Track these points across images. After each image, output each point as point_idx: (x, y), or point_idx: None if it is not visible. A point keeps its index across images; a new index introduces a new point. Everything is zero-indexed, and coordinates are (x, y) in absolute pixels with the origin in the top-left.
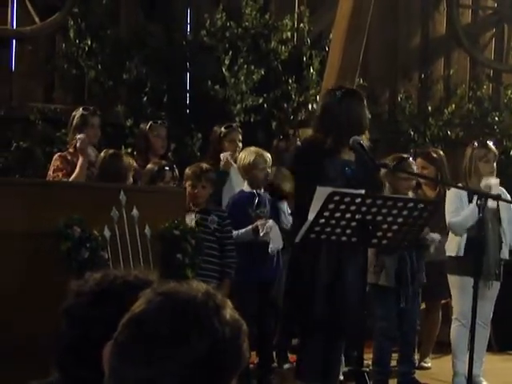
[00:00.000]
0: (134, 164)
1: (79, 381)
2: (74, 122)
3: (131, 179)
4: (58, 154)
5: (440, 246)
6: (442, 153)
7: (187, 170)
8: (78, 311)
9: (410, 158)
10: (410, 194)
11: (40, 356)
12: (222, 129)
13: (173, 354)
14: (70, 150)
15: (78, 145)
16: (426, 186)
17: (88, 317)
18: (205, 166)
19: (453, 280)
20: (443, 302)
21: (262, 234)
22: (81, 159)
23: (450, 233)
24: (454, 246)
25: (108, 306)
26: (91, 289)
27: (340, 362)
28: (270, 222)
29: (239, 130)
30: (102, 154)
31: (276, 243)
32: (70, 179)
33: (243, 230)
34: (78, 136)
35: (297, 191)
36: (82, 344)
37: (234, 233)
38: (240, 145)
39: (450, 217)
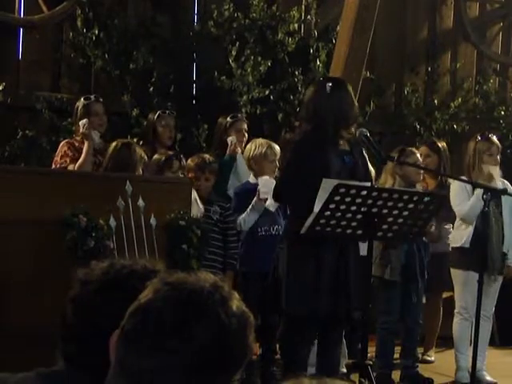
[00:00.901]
0: (145, 157)
1: (85, 369)
2: (78, 112)
3: (140, 171)
4: (66, 140)
5: (441, 237)
6: (444, 144)
7: (189, 162)
8: (84, 300)
9: (411, 148)
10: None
11: (46, 343)
12: (228, 119)
13: (179, 344)
14: (77, 138)
15: (81, 130)
16: (427, 174)
17: (94, 305)
18: (208, 157)
19: (456, 274)
20: (447, 295)
21: (262, 192)
22: (86, 144)
23: (455, 224)
24: (458, 237)
25: (114, 294)
26: (98, 277)
27: (339, 351)
28: (265, 177)
29: (245, 120)
30: (114, 143)
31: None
32: (77, 165)
33: (249, 207)
34: (81, 121)
35: (291, 182)
36: (89, 333)
37: (242, 216)
38: (246, 135)
39: (458, 208)
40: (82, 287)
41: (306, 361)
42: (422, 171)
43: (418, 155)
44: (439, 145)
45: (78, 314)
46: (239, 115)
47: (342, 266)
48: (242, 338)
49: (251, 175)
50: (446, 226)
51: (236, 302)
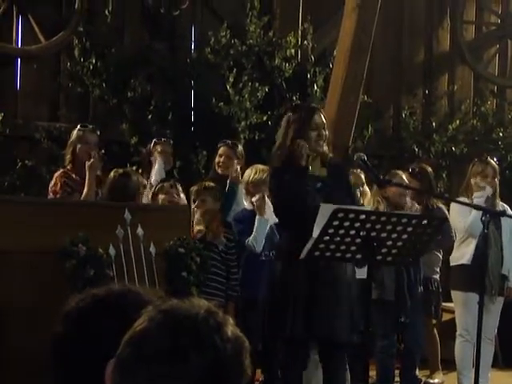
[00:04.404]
0: (144, 182)
1: None
2: (70, 138)
3: (141, 198)
4: (62, 170)
5: (428, 262)
6: (429, 168)
7: (191, 189)
8: (79, 328)
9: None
10: (409, 205)
11: (45, 372)
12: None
13: (174, 371)
14: (68, 166)
15: (91, 160)
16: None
17: (90, 334)
18: (206, 183)
19: (456, 296)
20: (447, 317)
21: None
22: (89, 175)
23: (455, 244)
24: (459, 255)
25: (110, 323)
26: (93, 305)
27: (344, 376)
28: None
29: (229, 145)
30: (112, 173)
31: (271, 216)
32: (82, 197)
33: (255, 227)
34: (93, 153)
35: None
36: (84, 361)
37: (251, 238)
38: (233, 162)
39: (461, 223)
40: (77, 315)
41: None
42: (405, 192)
43: (404, 176)
44: (416, 170)
45: (74, 341)
46: (226, 141)
47: (329, 289)
48: (238, 363)
49: (247, 202)
50: (435, 252)
51: (231, 328)
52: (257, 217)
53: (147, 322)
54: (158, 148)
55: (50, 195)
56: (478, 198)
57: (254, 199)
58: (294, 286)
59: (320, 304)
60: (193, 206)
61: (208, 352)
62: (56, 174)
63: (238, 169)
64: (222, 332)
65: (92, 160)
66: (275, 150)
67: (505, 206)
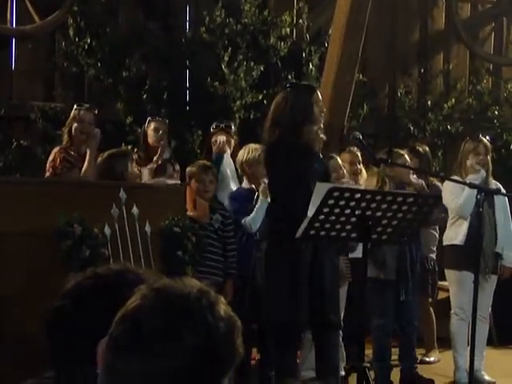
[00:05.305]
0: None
1: (75, 376)
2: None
3: (135, 171)
4: (60, 146)
5: (425, 241)
6: (427, 148)
7: (190, 168)
8: (78, 304)
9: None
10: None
11: (40, 355)
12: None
13: (166, 349)
14: (65, 144)
15: (93, 138)
16: None
17: (84, 312)
18: (206, 162)
19: (451, 274)
20: (443, 296)
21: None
22: (90, 152)
23: (448, 222)
24: (453, 235)
25: (105, 301)
26: (92, 283)
27: (337, 354)
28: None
29: (224, 129)
30: (99, 157)
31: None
32: (82, 171)
33: (256, 207)
34: (96, 130)
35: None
36: (78, 340)
37: (249, 218)
38: (230, 145)
39: (453, 202)
40: (76, 292)
41: (294, 365)
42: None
43: (406, 156)
44: (419, 149)
45: (68, 320)
46: (220, 125)
47: (317, 270)
48: (230, 342)
49: (244, 180)
50: (432, 231)
51: (223, 307)
52: (260, 197)
53: (140, 300)
54: (152, 125)
55: (50, 171)
56: (473, 181)
57: (262, 181)
58: (285, 269)
59: (313, 286)
60: (193, 185)
61: (200, 331)
62: (54, 150)
63: (220, 139)
64: (214, 311)
65: (94, 136)
66: (272, 125)
67: (498, 184)
